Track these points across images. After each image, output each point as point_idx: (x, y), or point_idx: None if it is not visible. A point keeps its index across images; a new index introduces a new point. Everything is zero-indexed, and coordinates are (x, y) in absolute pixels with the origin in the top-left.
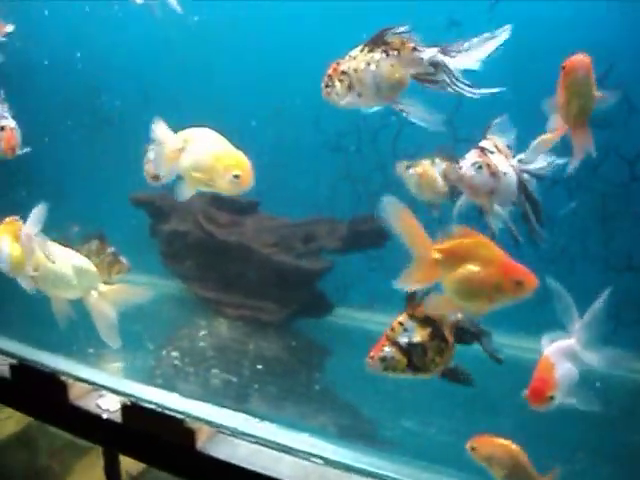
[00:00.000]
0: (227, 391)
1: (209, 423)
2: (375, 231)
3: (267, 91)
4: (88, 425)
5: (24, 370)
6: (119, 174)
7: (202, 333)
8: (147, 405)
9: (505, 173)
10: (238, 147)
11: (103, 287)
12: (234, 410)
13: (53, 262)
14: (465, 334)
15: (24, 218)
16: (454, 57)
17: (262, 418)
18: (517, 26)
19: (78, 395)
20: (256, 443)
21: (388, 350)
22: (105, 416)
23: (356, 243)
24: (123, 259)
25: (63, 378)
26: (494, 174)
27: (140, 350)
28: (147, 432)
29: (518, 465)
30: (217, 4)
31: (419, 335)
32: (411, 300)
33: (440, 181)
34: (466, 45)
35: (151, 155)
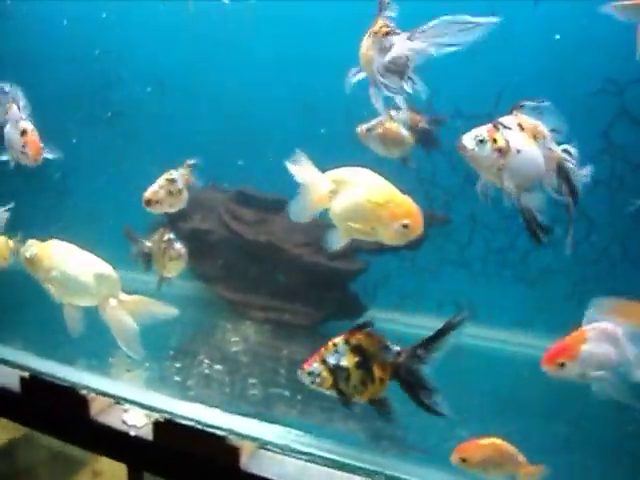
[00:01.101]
0: (266, 402)
1: (255, 440)
2: None
3: (296, 84)
4: (113, 443)
5: (36, 383)
6: (132, 170)
7: (233, 339)
8: (184, 422)
9: (519, 151)
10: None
11: (124, 296)
12: (281, 425)
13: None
14: (405, 380)
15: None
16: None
17: (308, 431)
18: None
19: (100, 410)
20: (306, 460)
21: (316, 366)
22: (133, 433)
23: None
24: (178, 245)
25: (83, 392)
26: (500, 150)
27: (165, 358)
28: (182, 450)
29: (509, 459)
30: None
31: (347, 360)
32: (360, 328)
33: (405, 133)
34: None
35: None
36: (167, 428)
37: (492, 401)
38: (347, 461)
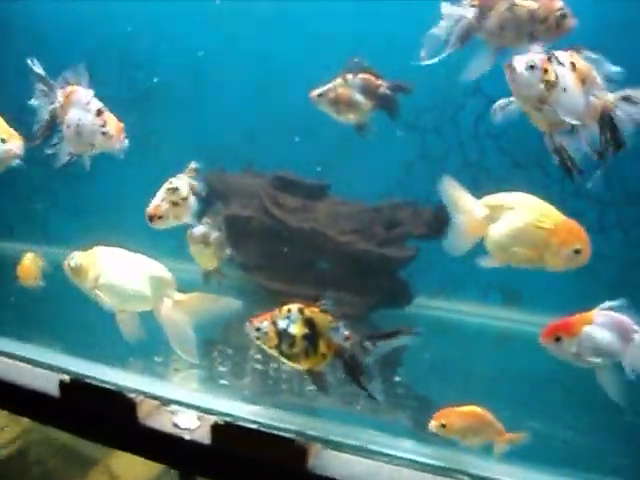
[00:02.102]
0: (328, 399)
1: (328, 442)
2: None
3: (335, 64)
4: (165, 447)
5: (78, 386)
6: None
7: None
8: (245, 424)
9: (565, 89)
10: None
11: (179, 295)
12: (351, 424)
13: None
14: (347, 363)
15: None
16: None
17: (381, 430)
18: None
19: (147, 413)
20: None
21: (266, 325)
22: (187, 437)
23: (443, 229)
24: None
25: (130, 395)
26: (548, 82)
27: (213, 355)
28: (244, 455)
29: (487, 426)
30: None
31: (296, 329)
32: (315, 300)
33: (360, 98)
34: None
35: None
36: (229, 432)
37: (546, 387)
38: (425, 460)
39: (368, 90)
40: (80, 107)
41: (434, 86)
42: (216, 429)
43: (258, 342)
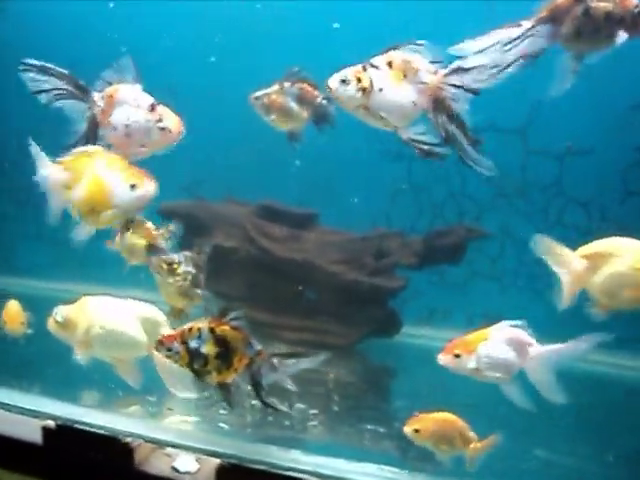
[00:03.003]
0: (334, 435)
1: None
2: (452, 246)
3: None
4: None
5: (63, 432)
6: None
7: None
8: (252, 465)
9: (382, 89)
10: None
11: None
12: (368, 461)
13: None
14: (253, 376)
15: None
16: None
17: (402, 467)
18: None
19: (144, 458)
20: None
21: (177, 345)
22: None
23: (432, 259)
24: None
25: (126, 440)
26: (364, 90)
27: (204, 392)
28: None
29: (460, 434)
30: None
31: (207, 348)
32: (221, 315)
33: (295, 107)
34: None
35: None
36: (234, 474)
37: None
38: None
39: (304, 100)
40: (128, 105)
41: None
42: (221, 472)
43: (169, 360)
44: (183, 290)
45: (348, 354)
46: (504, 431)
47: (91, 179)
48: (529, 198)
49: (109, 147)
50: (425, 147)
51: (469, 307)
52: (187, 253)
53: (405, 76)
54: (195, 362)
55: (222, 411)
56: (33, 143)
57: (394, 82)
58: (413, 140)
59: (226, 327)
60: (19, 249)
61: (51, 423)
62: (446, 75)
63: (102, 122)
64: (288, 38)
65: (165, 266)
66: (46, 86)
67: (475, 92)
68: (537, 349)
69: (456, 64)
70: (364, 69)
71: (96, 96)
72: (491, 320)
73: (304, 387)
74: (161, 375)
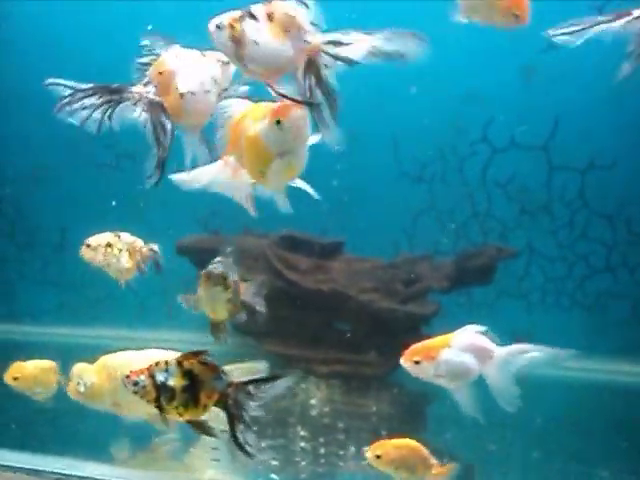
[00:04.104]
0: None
1: None
2: (483, 267)
3: (342, 119)
4: None
5: None
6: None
7: (311, 401)
8: None
9: (257, 42)
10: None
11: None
12: None
13: None
14: (229, 410)
15: None
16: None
17: None
18: None
19: None
20: None
21: (143, 379)
22: None
23: (463, 281)
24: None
25: None
26: (237, 40)
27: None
28: None
29: (421, 459)
30: None
31: (175, 382)
32: (195, 354)
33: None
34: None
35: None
36: None
37: (568, 427)
38: None
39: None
40: (185, 67)
41: (440, 136)
42: None
43: (136, 396)
44: (233, 302)
45: (384, 384)
46: (544, 446)
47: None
48: (553, 214)
49: None
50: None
51: (497, 326)
52: (221, 259)
53: (285, 31)
54: (162, 396)
55: (274, 462)
56: None
57: (272, 36)
58: (283, 96)
59: (194, 361)
60: (21, 293)
61: None
62: (327, 42)
63: (169, 102)
64: None
65: (220, 279)
66: (84, 113)
67: (349, 62)
68: (497, 355)
69: (338, 34)
70: (241, 18)
71: (136, 88)
72: (520, 338)
73: (349, 422)
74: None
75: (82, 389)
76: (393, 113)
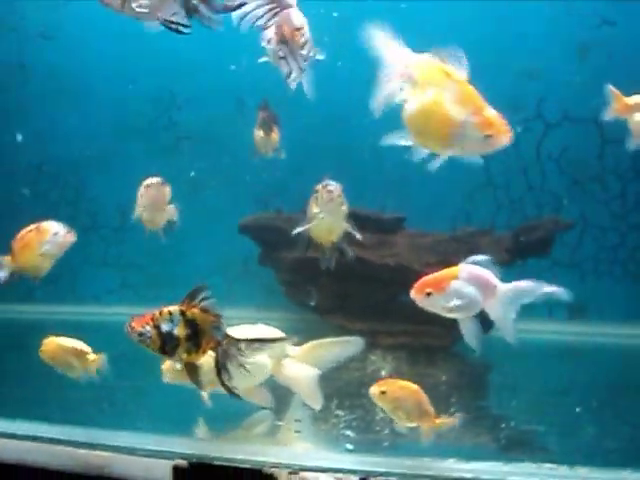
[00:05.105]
0: (471, 437)
1: None
2: (541, 239)
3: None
4: None
5: (198, 471)
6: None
7: (378, 371)
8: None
9: None
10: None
11: (295, 351)
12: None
13: None
14: (218, 358)
15: None
16: None
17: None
18: None
19: None
20: None
21: (148, 329)
22: None
23: (522, 254)
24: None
25: (266, 469)
26: None
27: (329, 408)
28: None
29: (421, 405)
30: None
31: (179, 331)
32: (191, 297)
33: None
34: None
35: None
36: None
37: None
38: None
39: None
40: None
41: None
42: None
43: (141, 344)
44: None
45: (448, 354)
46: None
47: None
48: (606, 185)
49: None
50: (173, 26)
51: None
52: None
53: None
54: (167, 345)
55: (348, 432)
56: None
57: None
58: (166, 20)
59: (196, 310)
60: (84, 275)
61: (182, 462)
62: None
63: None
64: None
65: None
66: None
67: None
68: (500, 288)
69: None
70: None
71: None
72: (572, 310)
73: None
74: (293, 388)
75: (178, 367)
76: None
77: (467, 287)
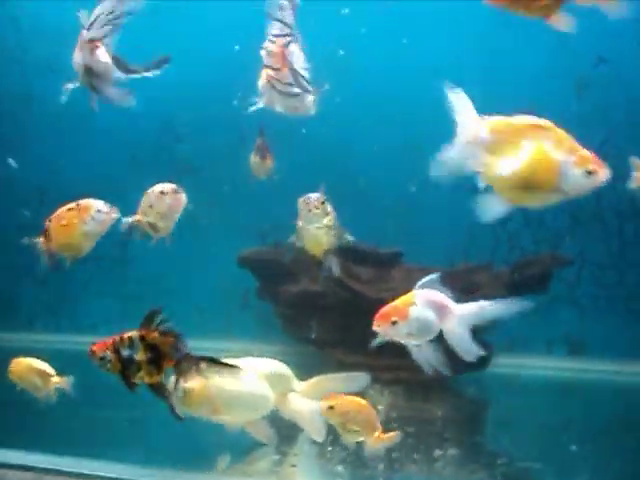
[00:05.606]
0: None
1: None
2: (539, 275)
3: (398, 124)
4: None
5: None
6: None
7: (379, 407)
8: None
9: None
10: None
11: (300, 385)
12: None
13: None
14: (177, 376)
15: None
16: None
17: None
18: None
19: None
20: None
21: (109, 354)
22: None
23: (520, 290)
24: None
25: None
26: None
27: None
28: None
29: (368, 419)
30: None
31: (140, 355)
32: (149, 321)
33: None
34: None
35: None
36: None
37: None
38: None
39: None
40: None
41: None
42: None
43: (101, 369)
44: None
45: (443, 389)
46: (604, 449)
47: (533, 150)
48: (604, 223)
49: None
50: None
51: (549, 333)
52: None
53: None
54: (128, 369)
55: (340, 468)
56: None
57: None
58: None
59: (155, 334)
60: (84, 305)
61: None
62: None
63: None
64: None
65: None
66: None
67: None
68: (455, 310)
69: None
70: None
71: None
72: (574, 346)
73: (419, 427)
74: (297, 422)
75: (180, 394)
76: (450, 128)
77: (425, 312)
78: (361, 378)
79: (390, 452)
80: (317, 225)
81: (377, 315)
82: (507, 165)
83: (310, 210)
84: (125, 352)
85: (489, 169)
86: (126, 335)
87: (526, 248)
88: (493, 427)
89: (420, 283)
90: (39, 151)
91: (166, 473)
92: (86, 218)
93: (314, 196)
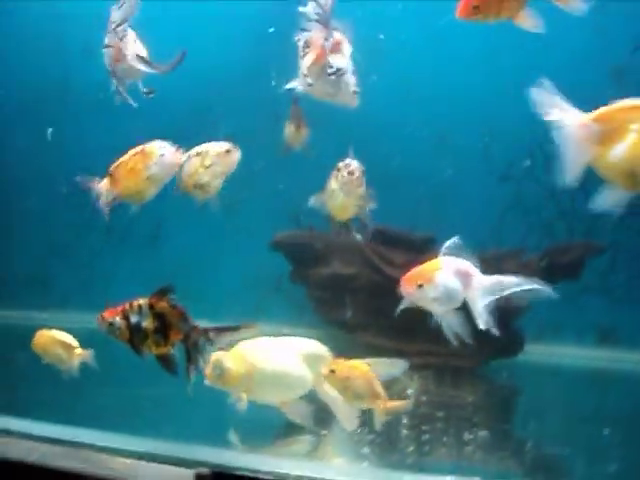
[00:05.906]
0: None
1: None
2: (571, 263)
3: (431, 117)
4: None
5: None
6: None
7: (408, 391)
8: None
9: None
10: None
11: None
12: None
13: None
14: (187, 348)
15: None
16: None
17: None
18: None
19: None
20: None
21: (118, 320)
22: None
23: (551, 276)
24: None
25: None
26: None
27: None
28: None
29: (371, 385)
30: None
31: (147, 323)
32: (160, 293)
33: None
34: None
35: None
36: None
37: None
38: None
39: None
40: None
41: (529, 135)
42: None
43: (110, 335)
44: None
45: (473, 376)
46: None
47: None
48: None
49: None
50: None
51: (579, 322)
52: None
53: None
54: (135, 336)
55: (371, 449)
56: None
57: None
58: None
59: (164, 304)
60: (115, 287)
61: (205, 471)
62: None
63: None
64: None
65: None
66: None
67: None
68: (479, 279)
69: None
70: None
71: None
72: (603, 335)
73: (449, 412)
74: (330, 406)
75: (218, 372)
76: (483, 114)
77: (451, 278)
78: (400, 364)
79: (420, 435)
80: (351, 195)
81: (403, 278)
82: (620, 152)
83: (351, 181)
84: (134, 319)
85: (603, 160)
86: (136, 302)
87: (558, 237)
88: (523, 414)
89: (445, 246)
90: (76, 132)
91: (195, 448)
92: (150, 163)
93: (357, 166)
